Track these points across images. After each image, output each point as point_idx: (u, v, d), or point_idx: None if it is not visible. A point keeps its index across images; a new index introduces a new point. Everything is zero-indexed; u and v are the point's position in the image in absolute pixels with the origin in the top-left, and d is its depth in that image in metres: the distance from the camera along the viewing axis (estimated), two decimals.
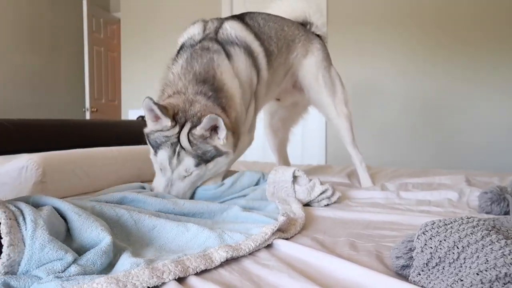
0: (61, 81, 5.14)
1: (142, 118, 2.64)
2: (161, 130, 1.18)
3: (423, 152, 3.70)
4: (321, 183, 1.30)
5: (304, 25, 1.85)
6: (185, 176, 1.19)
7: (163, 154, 1.16)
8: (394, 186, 1.65)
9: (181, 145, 1.16)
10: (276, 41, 1.58)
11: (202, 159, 1.19)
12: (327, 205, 1.29)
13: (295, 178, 1.27)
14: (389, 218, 1.11)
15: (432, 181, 1.76)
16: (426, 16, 3.63)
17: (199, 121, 1.18)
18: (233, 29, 1.42)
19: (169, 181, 1.17)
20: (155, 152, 1.20)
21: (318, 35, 1.85)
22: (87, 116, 4.97)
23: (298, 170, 1.29)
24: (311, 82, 1.72)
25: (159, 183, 1.20)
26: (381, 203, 1.33)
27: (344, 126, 1.75)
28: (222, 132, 1.20)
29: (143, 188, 1.25)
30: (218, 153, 1.22)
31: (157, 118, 1.20)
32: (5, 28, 4.38)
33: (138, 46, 4.85)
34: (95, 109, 5.05)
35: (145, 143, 1.28)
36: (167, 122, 1.17)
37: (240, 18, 1.54)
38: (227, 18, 1.52)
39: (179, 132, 1.17)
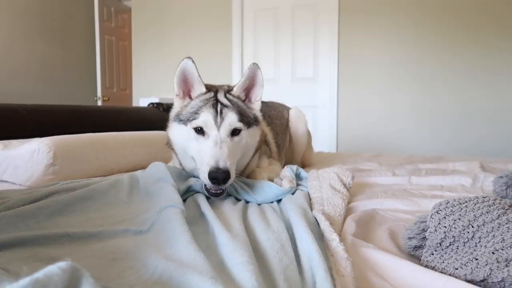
0: (73, 70, 5.18)
1: (153, 105, 2.64)
2: (197, 97, 1.21)
3: (436, 141, 3.64)
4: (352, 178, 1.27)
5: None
6: (232, 136, 1.14)
7: (207, 114, 1.13)
8: (406, 171, 1.62)
9: (222, 104, 1.16)
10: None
11: (243, 118, 1.18)
12: None
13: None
14: (401, 202, 1.09)
15: (446, 167, 1.72)
16: (435, 5, 3.55)
17: (231, 89, 1.24)
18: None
19: (217, 139, 1.09)
20: (196, 117, 1.14)
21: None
22: (99, 104, 5.01)
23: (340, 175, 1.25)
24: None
25: (207, 145, 1.10)
26: (392, 188, 1.31)
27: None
28: (259, 90, 1.26)
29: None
30: (255, 118, 1.25)
31: (185, 95, 1.24)
32: (17, 17, 4.41)
33: (148, 35, 4.84)
34: (107, 98, 5.08)
35: (156, 129, 1.25)
36: (202, 88, 1.21)
37: None
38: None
39: (215, 96, 1.19)
